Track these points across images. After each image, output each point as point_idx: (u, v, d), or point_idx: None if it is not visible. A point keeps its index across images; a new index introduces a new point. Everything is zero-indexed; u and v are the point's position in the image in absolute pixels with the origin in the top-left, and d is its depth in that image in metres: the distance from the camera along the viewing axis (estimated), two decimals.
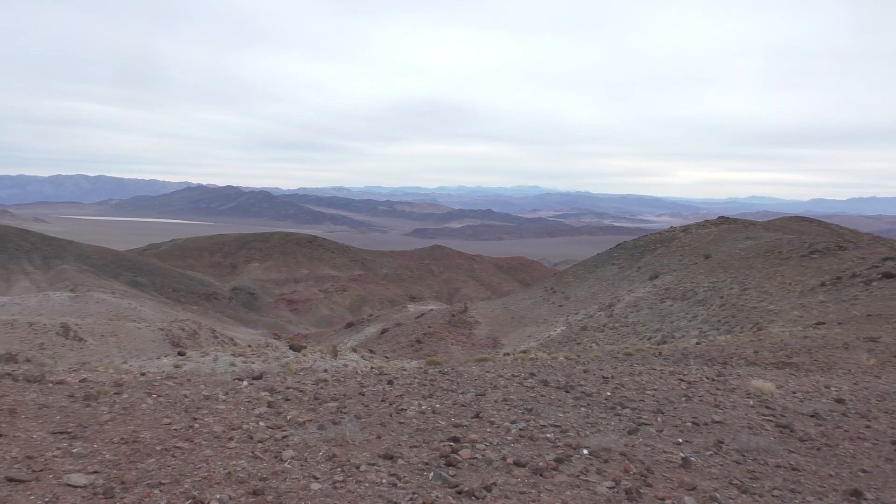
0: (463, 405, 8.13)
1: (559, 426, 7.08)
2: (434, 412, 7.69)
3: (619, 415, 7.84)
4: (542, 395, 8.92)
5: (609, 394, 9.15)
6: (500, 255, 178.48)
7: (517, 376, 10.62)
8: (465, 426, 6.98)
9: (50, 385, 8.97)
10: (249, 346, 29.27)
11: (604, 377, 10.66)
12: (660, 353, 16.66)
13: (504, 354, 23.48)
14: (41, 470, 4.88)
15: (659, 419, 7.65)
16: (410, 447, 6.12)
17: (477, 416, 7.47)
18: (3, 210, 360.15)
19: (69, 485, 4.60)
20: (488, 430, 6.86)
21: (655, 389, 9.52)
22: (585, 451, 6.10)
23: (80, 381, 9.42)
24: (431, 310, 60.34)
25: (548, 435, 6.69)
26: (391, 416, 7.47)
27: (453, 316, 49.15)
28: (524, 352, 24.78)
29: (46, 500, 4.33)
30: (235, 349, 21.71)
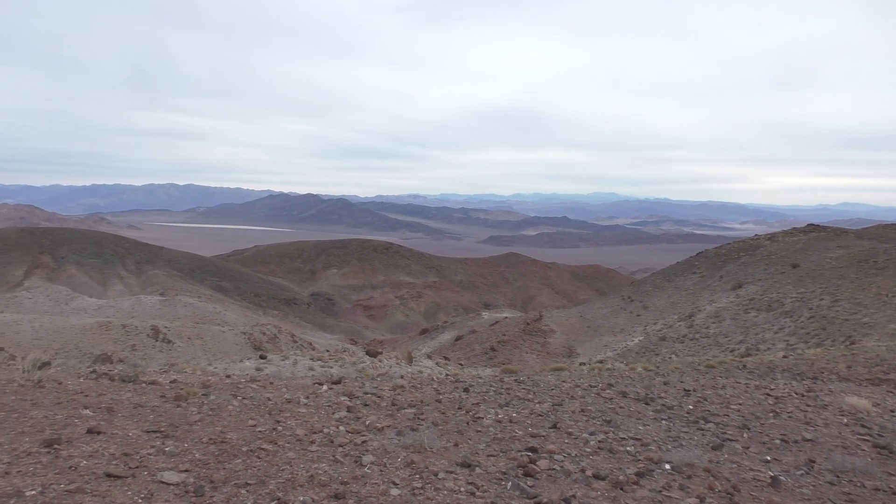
0: (540, 415, 8.07)
1: (639, 439, 6.93)
2: (511, 421, 7.66)
3: (702, 429, 7.61)
4: (620, 407, 8.76)
5: (691, 407, 8.90)
6: (575, 263, 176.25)
7: (594, 387, 10.47)
8: (543, 436, 6.93)
9: (143, 385, 9.43)
10: (327, 350, 29.92)
11: (685, 390, 10.37)
12: (744, 365, 16.08)
13: (580, 364, 23.16)
14: (137, 467, 5.14)
15: (745, 435, 7.38)
16: (488, 456, 6.13)
17: (554, 426, 7.40)
18: (100, 217, 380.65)
19: (163, 482, 4.82)
20: (566, 441, 6.79)
21: (740, 404, 9.19)
22: (668, 466, 5.95)
23: (170, 382, 9.85)
24: (506, 317, 60.15)
25: (628, 448, 6.57)
26: (468, 423, 7.50)
27: (528, 324, 48.83)
28: (601, 362, 24.38)
29: (142, 496, 4.54)
30: (314, 353, 22.23)
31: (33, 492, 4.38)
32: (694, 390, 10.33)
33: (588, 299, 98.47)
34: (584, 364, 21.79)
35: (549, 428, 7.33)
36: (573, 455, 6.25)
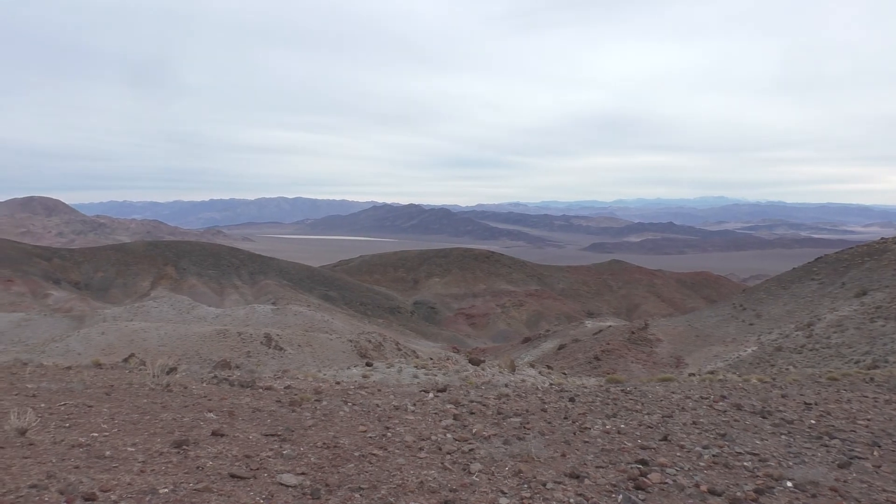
0: (649, 426, 7.87)
1: (757, 454, 6.62)
2: (619, 432, 7.51)
3: (826, 445, 7.18)
4: (735, 420, 8.40)
5: (813, 422, 8.41)
6: (682, 270, 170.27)
7: (706, 399, 10.09)
8: (653, 449, 6.74)
9: (260, 390, 9.90)
10: (430, 358, 30.29)
11: (806, 403, 9.81)
12: (871, 378, 15.01)
13: (689, 375, 22.34)
14: (257, 469, 5.40)
15: (875, 453, 6.90)
16: (596, 467, 6.03)
17: (665, 438, 7.19)
18: (217, 231, 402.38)
19: (282, 484, 5.04)
20: (678, 454, 6.58)
21: (869, 420, 8.60)
22: (789, 484, 5.65)
23: (285, 388, 10.30)
24: (610, 326, 58.91)
25: (745, 463, 6.29)
26: (575, 434, 7.41)
27: (633, 333, 47.61)
28: (711, 372, 23.43)
29: (263, 497, 4.77)
30: (417, 361, 22.56)
31: (166, 490, 4.68)
32: (816, 404, 9.76)
33: (696, 307, 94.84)
34: (694, 375, 21.02)
35: (660, 440, 7.13)
36: (686, 469, 6.05)
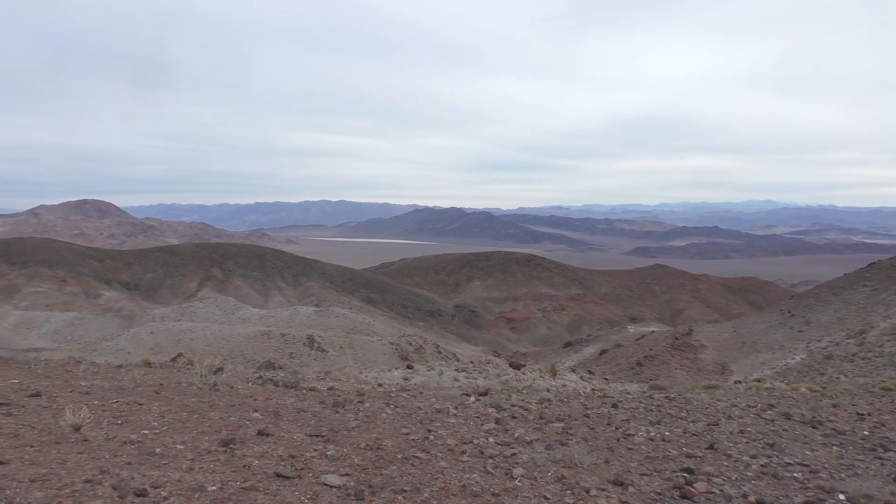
0: (694, 434, 7.74)
1: (807, 465, 6.46)
2: (664, 440, 7.41)
3: (880, 458, 6.96)
4: (784, 430, 8.20)
5: (866, 433, 8.16)
6: (728, 275, 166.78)
7: (753, 407, 9.88)
8: (699, 457, 6.63)
9: (304, 391, 10.03)
10: (471, 362, 30.26)
11: (858, 414, 9.52)
12: None
13: (735, 382, 21.88)
14: (302, 469, 5.48)
15: None
16: (641, 475, 5.96)
17: (711, 447, 7.06)
18: (262, 233, 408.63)
19: (326, 484, 5.11)
20: (725, 463, 6.46)
21: None
22: (842, 497, 5.49)
23: (328, 389, 10.41)
24: (653, 331, 58.04)
25: (795, 474, 6.14)
26: (618, 440, 7.33)
27: (677, 339, 46.83)
28: (758, 380, 22.88)
29: (308, 496, 4.84)
30: (458, 364, 22.57)
31: (214, 487, 4.78)
32: (869, 414, 9.47)
33: (742, 313, 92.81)
34: (740, 382, 20.58)
35: (706, 448, 7.01)
36: (733, 479, 5.93)
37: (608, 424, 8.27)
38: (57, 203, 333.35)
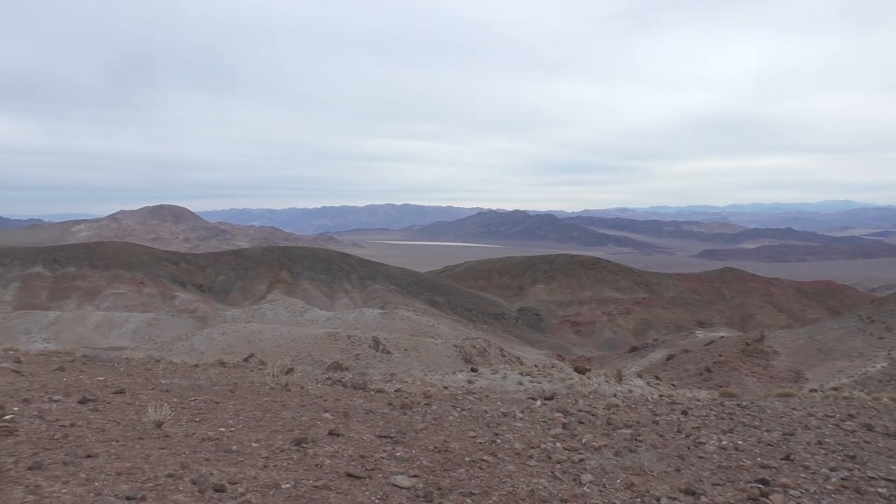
0: (769, 444, 7.51)
1: (893, 480, 6.17)
2: (736, 449, 7.21)
3: None
4: (866, 442, 7.86)
5: None
6: (802, 279, 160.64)
7: (832, 417, 9.51)
8: (775, 468, 6.43)
9: (372, 393, 10.20)
10: (535, 365, 30.09)
11: None
12: None
13: (810, 390, 21.06)
14: (372, 469, 5.58)
15: None
16: (713, 484, 5.82)
17: (787, 458, 6.84)
18: (329, 237, 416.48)
19: (395, 485, 5.18)
20: (802, 475, 6.24)
21: None
22: None
23: (395, 391, 10.55)
24: (722, 337, 56.38)
25: (879, 489, 5.88)
26: (689, 448, 7.18)
27: (748, 344, 45.37)
28: (835, 389, 21.98)
29: (378, 497, 4.92)
30: (522, 368, 22.49)
31: (287, 485, 4.92)
32: None
33: (818, 319, 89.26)
34: (816, 391, 19.81)
35: (782, 459, 6.79)
36: (812, 492, 5.73)
37: (678, 432, 8.11)
38: (136, 208, 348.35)
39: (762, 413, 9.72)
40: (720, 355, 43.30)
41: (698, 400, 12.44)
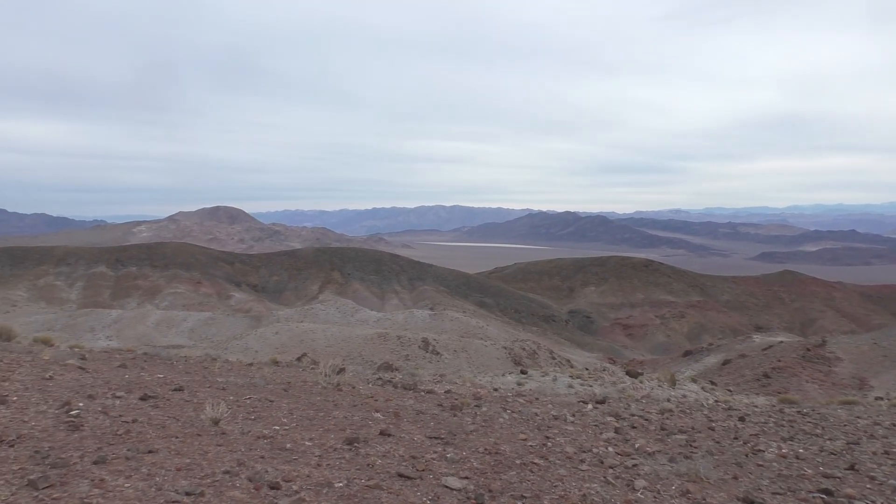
0: (832, 453, 7.26)
1: None
2: (797, 457, 7.00)
3: None
4: None
5: None
6: (867, 283, 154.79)
7: None
8: (838, 478, 6.21)
9: (422, 393, 10.23)
10: (586, 368, 29.77)
11: None
12: None
13: (876, 399, 20.30)
14: (423, 470, 5.60)
15: None
16: (773, 493, 5.66)
17: (852, 467, 6.60)
18: (379, 238, 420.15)
19: (446, 486, 5.19)
20: (868, 486, 6.02)
21: None
22: None
23: (445, 392, 10.57)
24: (781, 342, 54.77)
25: None
26: (747, 456, 7.00)
27: (808, 350, 43.96)
28: None
29: (429, 498, 4.93)
30: (572, 371, 22.28)
31: (340, 484, 4.98)
32: None
33: (884, 324, 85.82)
34: (882, 399, 19.09)
35: (846, 469, 6.56)
36: None
37: (735, 438, 7.92)
38: (194, 210, 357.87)
39: (824, 421, 9.42)
40: (779, 361, 42.07)
41: (756, 406, 12.12)
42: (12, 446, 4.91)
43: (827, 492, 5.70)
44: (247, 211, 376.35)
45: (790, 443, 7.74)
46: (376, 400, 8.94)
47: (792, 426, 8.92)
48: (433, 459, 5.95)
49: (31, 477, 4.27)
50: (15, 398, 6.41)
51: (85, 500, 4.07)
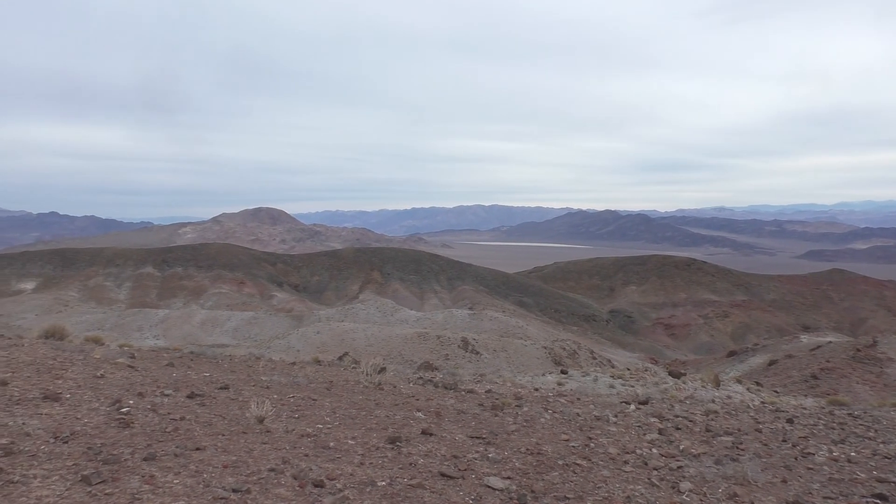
0: (886, 457, 7.05)
1: None
2: (849, 461, 6.81)
3: None
4: None
5: None
6: None
7: None
8: (893, 483, 6.03)
9: (462, 393, 10.24)
10: (627, 369, 29.39)
11: None
12: None
13: None
14: (465, 469, 5.60)
15: None
16: (824, 498, 5.52)
17: None
18: (418, 238, 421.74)
19: (489, 486, 5.19)
20: None
21: None
22: None
23: (486, 392, 10.56)
24: (829, 342, 53.31)
25: None
26: (796, 459, 6.84)
27: (858, 350, 42.65)
28: None
29: (472, 497, 4.93)
30: (613, 371, 22.02)
31: (383, 483, 5.01)
32: None
33: None
34: None
35: None
36: None
37: (783, 441, 7.74)
38: (237, 211, 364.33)
39: (877, 424, 9.14)
40: (828, 361, 40.93)
41: (804, 408, 11.84)
42: (66, 443, 5.05)
43: (881, 497, 5.53)
44: (288, 212, 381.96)
45: (841, 446, 7.53)
46: (417, 399, 8.97)
47: (843, 429, 8.68)
48: (475, 459, 5.95)
49: (85, 473, 4.40)
50: (68, 396, 6.60)
51: (136, 496, 4.17)
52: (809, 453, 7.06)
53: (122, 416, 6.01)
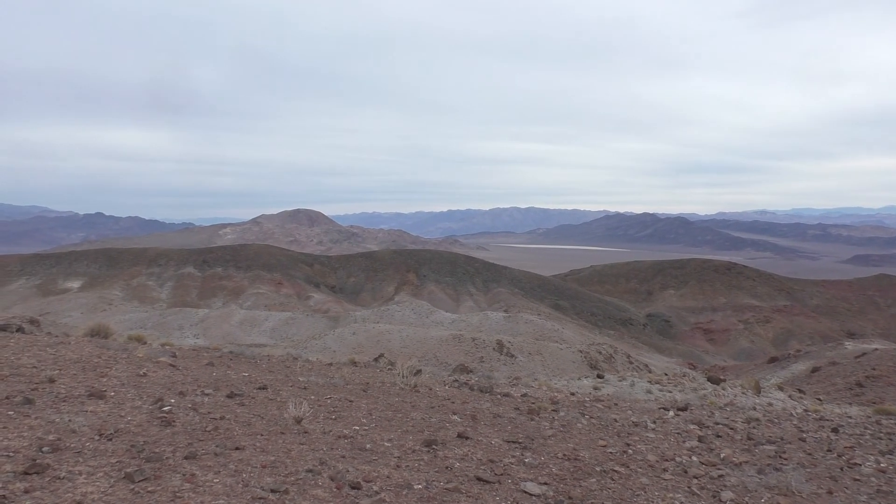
0: None
1: None
2: None
3: None
4: None
5: None
6: None
7: None
8: None
9: (498, 396, 10.20)
10: (665, 374, 28.97)
11: None
12: None
13: None
14: (501, 474, 5.58)
15: None
16: None
17: None
18: (454, 240, 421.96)
19: (525, 492, 5.16)
20: None
21: None
22: None
23: (521, 396, 10.51)
24: (876, 349, 51.84)
25: None
26: (842, 469, 6.66)
27: None
28: None
29: (508, 502, 4.91)
30: (651, 376, 21.72)
31: (419, 486, 5.02)
32: None
33: None
34: None
35: None
36: None
37: (828, 451, 7.55)
38: (275, 212, 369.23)
39: None
40: (874, 369, 39.80)
41: (850, 417, 11.53)
42: (110, 440, 5.16)
43: None
44: (326, 213, 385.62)
45: (889, 457, 7.32)
46: (453, 402, 8.97)
47: (891, 439, 8.44)
48: (511, 464, 5.92)
49: (128, 470, 4.49)
50: (112, 394, 6.75)
51: (177, 494, 4.24)
52: (856, 464, 6.88)
53: (164, 415, 6.12)
